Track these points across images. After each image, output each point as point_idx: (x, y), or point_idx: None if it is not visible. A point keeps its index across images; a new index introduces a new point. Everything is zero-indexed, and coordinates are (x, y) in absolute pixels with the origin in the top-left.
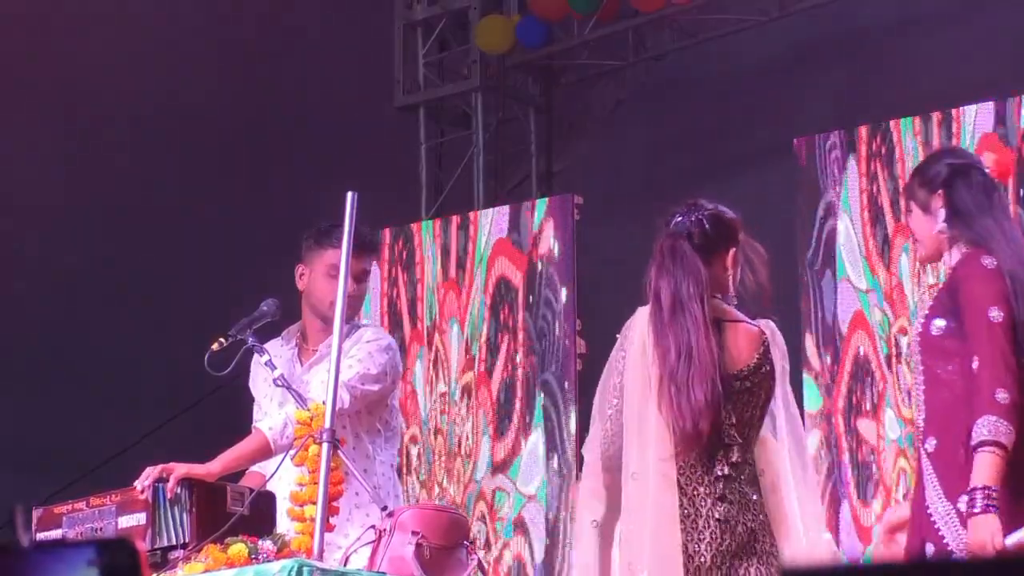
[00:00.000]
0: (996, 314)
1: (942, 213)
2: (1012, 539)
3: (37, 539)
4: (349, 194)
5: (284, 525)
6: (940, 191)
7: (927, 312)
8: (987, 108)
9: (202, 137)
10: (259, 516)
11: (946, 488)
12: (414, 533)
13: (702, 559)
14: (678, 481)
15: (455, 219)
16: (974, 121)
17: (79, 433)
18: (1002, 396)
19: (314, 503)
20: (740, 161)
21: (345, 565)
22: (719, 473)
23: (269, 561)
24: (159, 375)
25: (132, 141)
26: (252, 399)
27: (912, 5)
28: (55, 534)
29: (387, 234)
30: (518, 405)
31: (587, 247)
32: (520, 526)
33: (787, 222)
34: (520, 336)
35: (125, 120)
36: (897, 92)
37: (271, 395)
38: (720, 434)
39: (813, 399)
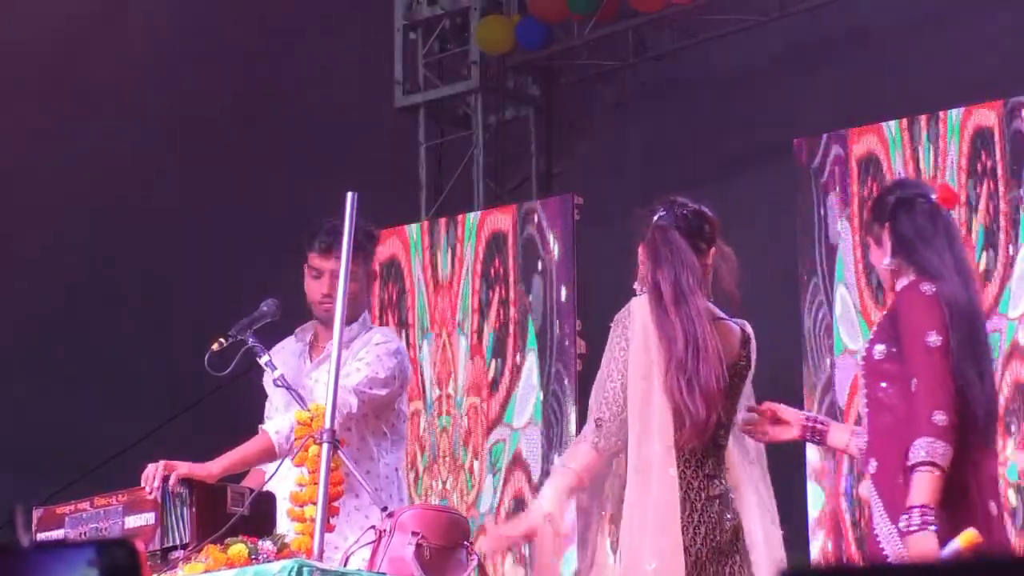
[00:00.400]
0: (934, 339)
1: (889, 246)
2: (949, 548)
3: (37, 539)
4: (349, 194)
5: (284, 525)
6: (887, 223)
7: (871, 338)
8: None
9: (202, 137)
10: (259, 516)
11: (888, 508)
12: (414, 533)
13: (699, 553)
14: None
15: (442, 221)
16: (960, 122)
17: (79, 433)
18: (939, 418)
19: (314, 503)
20: (740, 161)
21: (345, 565)
22: (708, 472)
23: (269, 561)
24: (159, 375)
25: (132, 141)
26: (264, 396)
27: (912, 6)
28: (57, 534)
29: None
30: (511, 346)
31: (587, 247)
32: (518, 462)
33: (787, 222)
34: (511, 279)
35: (125, 120)
36: (897, 92)
37: (283, 392)
38: (715, 433)
39: (816, 502)
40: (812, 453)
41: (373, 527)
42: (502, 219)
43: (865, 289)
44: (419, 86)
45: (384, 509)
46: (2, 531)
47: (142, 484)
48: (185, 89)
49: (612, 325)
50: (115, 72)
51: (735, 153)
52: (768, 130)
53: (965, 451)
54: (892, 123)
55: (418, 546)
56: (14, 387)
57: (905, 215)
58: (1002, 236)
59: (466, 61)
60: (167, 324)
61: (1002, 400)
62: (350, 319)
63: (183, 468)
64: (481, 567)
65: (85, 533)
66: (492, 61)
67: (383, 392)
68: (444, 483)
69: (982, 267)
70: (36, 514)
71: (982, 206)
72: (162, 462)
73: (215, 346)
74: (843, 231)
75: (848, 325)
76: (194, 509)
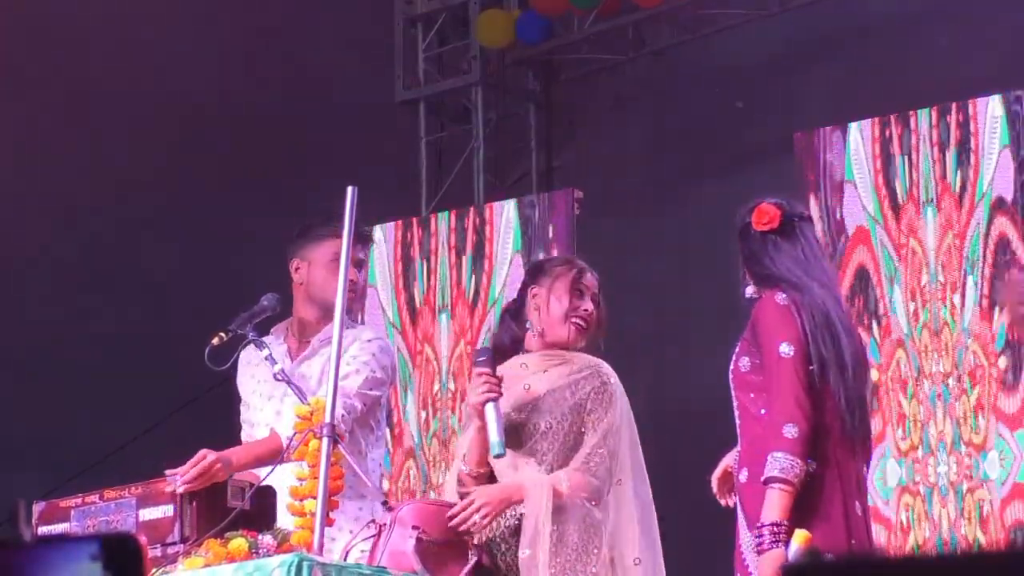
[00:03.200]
0: (786, 349)
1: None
2: (791, 552)
3: (39, 534)
4: (349, 188)
5: (284, 520)
6: (741, 256)
7: (737, 350)
8: (988, 101)
9: (202, 133)
10: (259, 511)
11: (750, 518)
12: (414, 528)
13: None
14: None
15: (442, 216)
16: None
17: (79, 430)
18: (790, 431)
19: (314, 498)
20: (741, 156)
21: (345, 560)
22: None
23: (269, 556)
24: (159, 371)
25: (131, 138)
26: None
27: (913, 0)
28: (61, 528)
29: (399, 227)
30: None
31: (587, 242)
32: None
33: None
34: (511, 273)
35: (125, 115)
36: (898, 87)
37: (259, 391)
38: None
39: None
40: None
41: (373, 521)
42: (502, 213)
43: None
44: (419, 80)
45: (384, 503)
46: (2, 527)
47: (187, 470)
48: (184, 85)
49: (598, 384)
50: (115, 69)
51: (735, 148)
52: (768, 125)
53: (828, 456)
54: (892, 117)
55: (419, 540)
56: (13, 385)
57: (741, 242)
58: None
59: (466, 55)
60: (167, 320)
61: None
62: (348, 309)
63: (221, 476)
64: (481, 561)
65: (94, 527)
66: (492, 56)
67: (380, 392)
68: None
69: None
70: (36, 508)
71: (982, 199)
72: (217, 461)
73: (215, 340)
74: (843, 205)
75: None
76: (194, 503)
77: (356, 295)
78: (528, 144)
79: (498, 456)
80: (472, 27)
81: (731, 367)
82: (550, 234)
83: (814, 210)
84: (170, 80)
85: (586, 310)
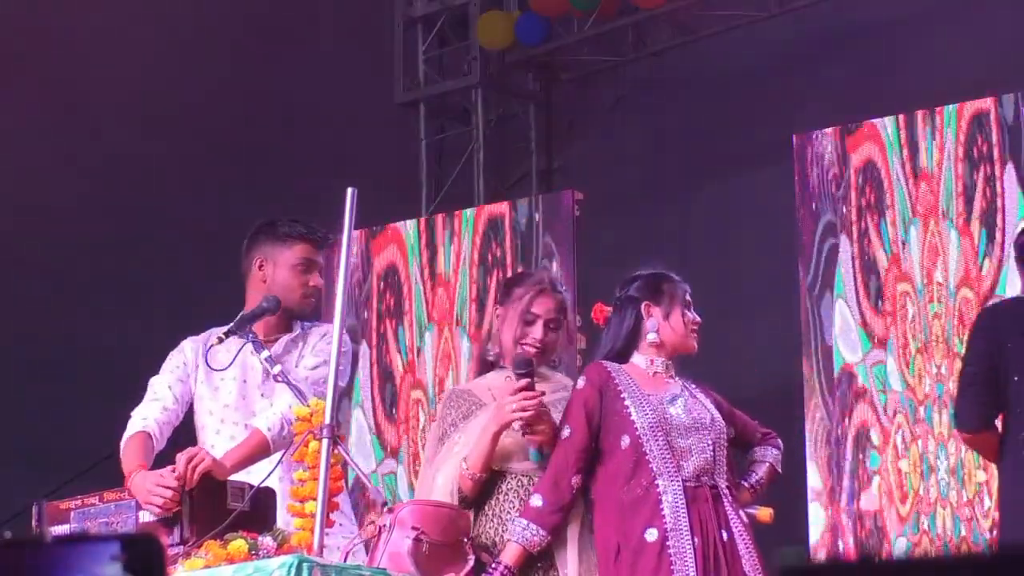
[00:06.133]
0: None
1: None
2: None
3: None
4: (349, 190)
5: (284, 521)
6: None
7: None
8: (980, 104)
9: (202, 134)
10: (259, 512)
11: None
12: (413, 528)
13: None
14: None
15: (442, 217)
16: (956, 118)
17: (79, 430)
18: None
19: (314, 499)
20: (739, 158)
21: (344, 561)
22: None
23: (269, 557)
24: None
25: (131, 139)
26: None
27: (912, 2)
28: (62, 530)
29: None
30: None
31: (587, 243)
32: None
33: (787, 218)
34: (511, 274)
35: (124, 117)
36: (897, 89)
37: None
38: None
39: (816, 522)
40: (813, 476)
41: (373, 522)
42: (502, 215)
43: (861, 291)
44: (419, 82)
45: (384, 504)
46: (4, 526)
47: (177, 468)
48: (184, 86)
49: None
50: (115, 70)
51: (734, 150)
52: (767, 127)
53: None
54: (888, 120)
55: (416, 540)
56: (11, 386)
57: None
58: (999, 218)
59: (466, 57)
60: (165, 320)
61: None
62: (308, 314)
63: (208, 461)
64: (480, 563)
65: (94, 528)
66: (492, 57)
67: (342, 384)
68: None
69: (981, 250)
70: (35, 509)
71: (979, 191)
72: (202, 451)
73: (214, 341)
74: (841, 225)
75: (847, 335)
76: (194, 505)
77: (317, 300)
78: (528, 145)
79: (537, 462)
80: (472, 28)
81: None
82: (550, 235)
83: (812, 209)
84: (170, 82)
85: (535, 338)
